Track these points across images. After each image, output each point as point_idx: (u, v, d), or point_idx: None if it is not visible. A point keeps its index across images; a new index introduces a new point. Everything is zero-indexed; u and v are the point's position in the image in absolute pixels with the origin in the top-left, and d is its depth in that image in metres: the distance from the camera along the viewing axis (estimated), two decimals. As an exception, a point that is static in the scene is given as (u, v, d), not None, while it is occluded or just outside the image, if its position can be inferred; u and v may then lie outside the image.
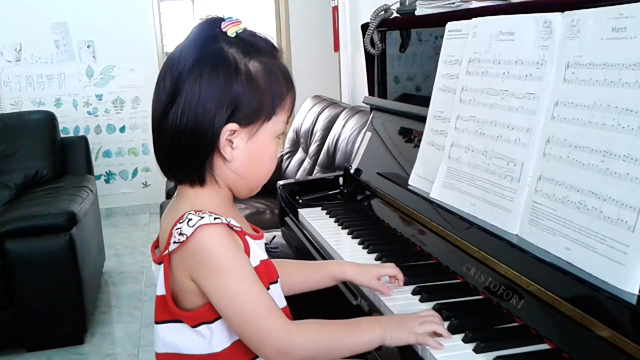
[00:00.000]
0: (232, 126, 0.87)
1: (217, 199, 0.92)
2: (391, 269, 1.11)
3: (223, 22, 0.89)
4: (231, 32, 0.88)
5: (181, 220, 0.85)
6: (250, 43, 0.89)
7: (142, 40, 4.33)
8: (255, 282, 0.87)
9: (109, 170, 4.46)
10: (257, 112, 0.88)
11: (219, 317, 0.88)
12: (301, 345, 0.87)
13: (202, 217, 0.84)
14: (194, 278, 0.86)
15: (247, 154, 0.90)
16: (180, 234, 0.84)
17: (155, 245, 0.97)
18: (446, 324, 0.96)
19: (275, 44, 0.94)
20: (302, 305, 1.05)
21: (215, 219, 0.85)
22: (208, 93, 0.85)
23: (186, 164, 0.90)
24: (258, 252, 0.94)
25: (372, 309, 1.10)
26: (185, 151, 0.88)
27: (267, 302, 0.87)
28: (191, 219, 0.84)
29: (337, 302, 1.19)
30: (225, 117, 0.86)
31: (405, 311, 1.01)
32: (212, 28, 0.88)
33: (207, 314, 0.88)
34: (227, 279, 0.85)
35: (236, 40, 0.88)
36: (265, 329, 0.85)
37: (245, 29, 0.90)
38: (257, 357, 0.91)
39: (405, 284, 1.11)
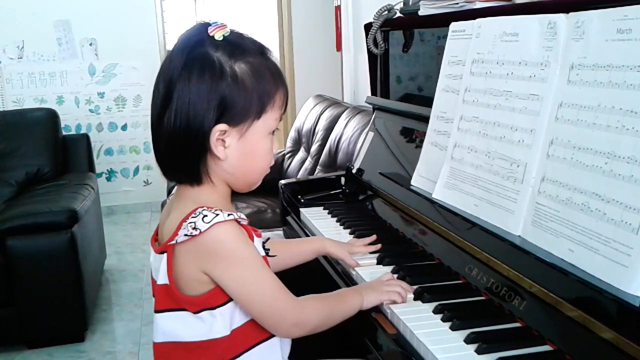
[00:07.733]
0: (221, 127, 0.91)
1: (216, 196, 0.97)
2: (361, 248, 1.29)
3: (209, 27, 0.92)
4: (218, 35, 0.91)
5: (194, 215, 0.89)
6: (237, 45, 0.92)
7: (144, 38, 4.33)
8: (267, 269, 0.95)
9: (111, 168, 4.46)
10: (246, 111, 0.92)
11: (222, 304, 0.93)
12: (312, 316, 0.98)
13: (217, 215, 0.89)
14: (207, 270, 0.91)
15: (240, 151, 0.94)
16: (194, 228, 0.88)
17: (155, 238, 1.02)
18: (448, 324, 0.96)
19: (263, 44, 0.97)
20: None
21: (228, 215, 0.90)
22: (196, 96, 0.89)
23: (182, 165, 0.94)
24: (259, 248, 0.99)
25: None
26: (180, 153, 0.92)
27: (280, 285, 0.95)
28: (206, 215, 0.89)
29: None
30: (214, 119, 0.90)
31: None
32: (199, 33, 0.92)
33: (211, 301, 0.92)
34: (245, 269, 0.91)
35: (223, 44, 0.91)
36: (283, 307, 0.94)
37: (232, 31, 0.93)
38: (253, 347, 0.96)
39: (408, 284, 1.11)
